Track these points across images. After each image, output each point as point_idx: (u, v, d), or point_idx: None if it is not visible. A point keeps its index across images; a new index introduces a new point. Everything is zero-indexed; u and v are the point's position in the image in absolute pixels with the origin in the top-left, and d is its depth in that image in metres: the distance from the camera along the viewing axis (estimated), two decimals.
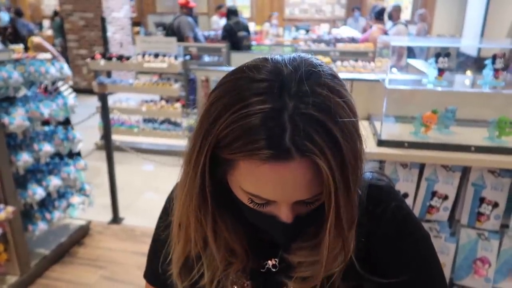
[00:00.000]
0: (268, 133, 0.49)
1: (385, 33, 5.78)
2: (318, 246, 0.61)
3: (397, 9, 6.19)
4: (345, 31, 7.63)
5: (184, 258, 0.69)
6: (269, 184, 0.52)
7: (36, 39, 3.84)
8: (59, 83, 2.72)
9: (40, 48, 3.68)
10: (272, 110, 0.49)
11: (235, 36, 6.21)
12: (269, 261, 0.69)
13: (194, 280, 0.70)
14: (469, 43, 4.14)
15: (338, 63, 4.42)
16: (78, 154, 2.93)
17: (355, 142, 0.52)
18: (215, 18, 8.50)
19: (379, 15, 5.90)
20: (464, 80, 1.99)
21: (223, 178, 0.59)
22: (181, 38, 5.46)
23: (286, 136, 0.48)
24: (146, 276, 0.83)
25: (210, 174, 0.57)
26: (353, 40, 6.61)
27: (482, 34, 6.19)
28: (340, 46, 6.24)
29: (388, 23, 6.49)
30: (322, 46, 6.17)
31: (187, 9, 5.82)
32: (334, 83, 0.52)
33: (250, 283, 0.69)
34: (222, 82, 0.56)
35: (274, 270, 0.68)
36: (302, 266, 0.64)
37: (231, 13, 6.48)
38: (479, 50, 5.75)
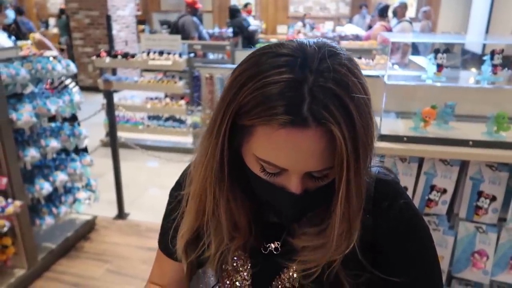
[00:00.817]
0: (287, 100, 0.52)
1: (389, 30, 5.78)
2: (324, 231, 0.63)
3: (402, 6, 6.19)
4: (349, 29, 7.63)
5: (191, 234, 0.72)
6: (283, 151, 0.55)
7: (37, 36, 3.92)
8: (63, 78, 2.76)
9: (41, 45, 3.76)
10: (293, 81, 0.52)
11: (246, 31, 6.34)
12: (272, 244, 0.71)
13: (199, 253, 0.73)
14: (471, 40, 4.13)
15: None
16: (85, 150, 2.98)
17: (367, 121, 0.55)
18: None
19: (382, 12, 5.90)
20: (468, 77, 2.00)
21: (238, 150, 0.62)
22: (185, 37, 5.53)
23: (304, 105, 0.52)
24: (160, 246, 0.86)
25: (228, 143, 0.60)
26: (357, 37, 6.61)
27: (487, 31, 6.17)
28: (344, 43, 6.25)
29: (393, 20, 6.48)
30: None
31: (192, 9, 5.86)
32: (351, 65, 0.56)
33: (250, 261, 0.72)
34: (247, 58, 0.59)
35: (276, 252, 0.71)
36: (305, 250, 0.65)
37: (235, 11, 6.59)
38: (484, 47, 5.73)
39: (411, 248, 0.68)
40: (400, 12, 6.19)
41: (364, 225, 0.63)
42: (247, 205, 0.69)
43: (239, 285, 0.73)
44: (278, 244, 0.71)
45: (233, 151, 0.62)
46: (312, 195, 0.61)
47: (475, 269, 1.53)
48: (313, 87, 0.52)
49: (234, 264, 0.73)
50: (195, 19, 5.89)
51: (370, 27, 6.93)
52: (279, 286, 0.70)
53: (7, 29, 3.43)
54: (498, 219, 1.51)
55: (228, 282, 0.74)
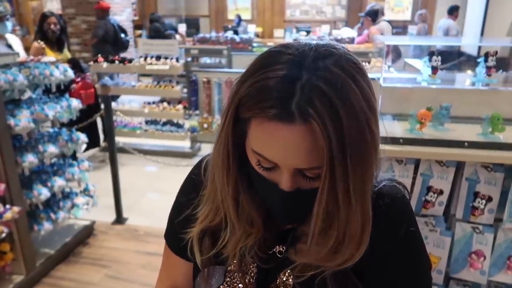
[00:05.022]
0: (278, 95, 0.54)
1: (381, 33, 5.85)
2: (327, 236, 0.62)
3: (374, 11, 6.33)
4: (345, 32, 7.66)
5: (209, 220, 0.72)
6: (272, 145, 0.57)
7: (35, 44, 4.04)
8: None
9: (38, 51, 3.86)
10: (287, 77, 0.55)
11: (163, 35, 6.92)
12: (277, 247, 0.72)
13: (215, 253, 0.73)
14: (467, 42, 4.16)
15: None
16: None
17: (361, 125, 0.55)
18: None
19: (374, 16, 6.00)
20: (464, 79, 2.02)
21: (243, 144, 0.64)
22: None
23: (293, 101, 0.54)
24: (166, 237, 0.86)
25: (234, 137, 0.63)
26: (353, 41, 6.64)
27: (482, 33, 6.22)
28: None
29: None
30: None
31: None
32: (350, 67, 0.56)
33: (257, 263, 0.72)
34: (261, 54, 0.62)
35: (279, 256, 0.71)
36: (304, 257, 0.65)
37: (155, 19, 7.23)
38: (479, 49, 5.77)
39: (405, 275, 0.68)
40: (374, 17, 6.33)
41: None
42: (258, 200, 0.68)
43: (242, 286, 0.73)
44: (283, 248, 0.71)
45: (242, 145, 0.64)
46: (304, 195, 0.61)
47: (472, 270, 1.54)
48: (305, 84, 0.54)
49: (243, 265, 0.73)
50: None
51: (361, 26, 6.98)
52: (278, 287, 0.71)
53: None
54: (494, 220, 1.52)
55: (234, 282, 0.73)
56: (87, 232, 3.12)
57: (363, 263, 0.65)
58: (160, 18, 7.59)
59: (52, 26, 4.05)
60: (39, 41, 4.03)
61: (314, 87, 0.54)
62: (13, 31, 3.71)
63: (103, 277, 2.68)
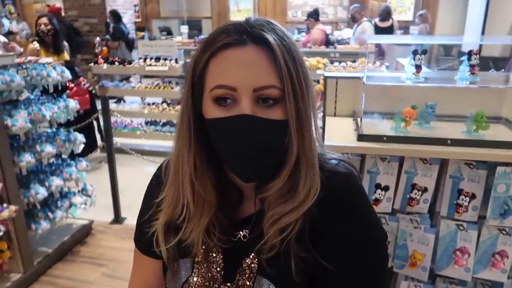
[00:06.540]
0: (232, 31, 0.67)
1: (325, 33, 6.33)
2: (291, 196, 0.68)
3: (357, 10, 6.54)
4: (347, 33, 7.65)
5: (172, 211, 0.76)
6: (230, 69, 0.65)
7: (31, 46, 4.07)
8: None
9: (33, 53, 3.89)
10: (237, 23, 0.69)
11: (126, 38, 7.02)
12: (241, 232, 0.76)
13: (179, 245, 0.77)
14: (468, 41, 4.14)
15: (336, 64, 4.47)
16: (81, 154, 3.02)
17: (300, 56, 0.68)
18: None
19: (316, 16, 6.32)
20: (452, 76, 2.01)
21: (201, 114, 0.70)
22: None
23: (244, 33, 0.67)
24: (135, 240, 0.91)
25: (192, 99, 0.70)
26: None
27: (483, 33, 6.19)
28: (340, 47, 6.30)
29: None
30: (322, 48, 6.22)
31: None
32: (287, 33, 0.69)
33: (221, 250, 0.76)
34: None
35: (244, 240, 0.75)
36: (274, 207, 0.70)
37: (117, 17, 7.14)
38: (481, 47, 5.73)
39: (355, 245, 0.70)
40: (358, 16, 6.50)
41: (311, 213, 0.68)
42: (214, 180, 0.73)
43: (211, 275, 0.76)
44: (246, 231, 0.75)
45: (201, 125, 0.70)
46: (263, 126, 0.65)
47: (457, 267, 1.54)
48: (252, 24, 0.68)
49: (209, 255, 0.76)
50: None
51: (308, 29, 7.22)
52: (244, 271, 0.74)
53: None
54: (478, 217, 1.52)
55: (202, 272, 0.77)
56: (85, 231, 3.15)
57: (320, 238, 0.70)
58: (121, 18, 7.68)
59: (42, 27, 4.03)
60: (34, 42, 4.07)
61: (259, 25, 0.68)
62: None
63: (100, 276, 2.72)
